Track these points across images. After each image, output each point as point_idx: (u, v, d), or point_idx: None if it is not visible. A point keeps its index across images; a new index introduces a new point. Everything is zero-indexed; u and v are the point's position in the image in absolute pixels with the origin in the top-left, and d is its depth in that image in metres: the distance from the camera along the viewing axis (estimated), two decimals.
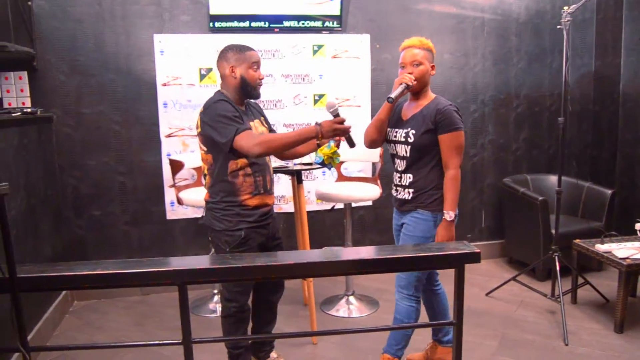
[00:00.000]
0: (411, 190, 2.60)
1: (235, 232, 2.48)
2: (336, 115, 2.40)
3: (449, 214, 2.49)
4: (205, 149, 2.50)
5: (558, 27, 3.55)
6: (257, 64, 2.50)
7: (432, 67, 2.62)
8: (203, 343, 2.01)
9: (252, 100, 2.67)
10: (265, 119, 2.72)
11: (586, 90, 4.58)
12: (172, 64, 3.96)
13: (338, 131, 2.35)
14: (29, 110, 3.37)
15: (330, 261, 2.00)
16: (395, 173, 2.69)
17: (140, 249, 4.02)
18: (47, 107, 3.71)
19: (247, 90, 2.50)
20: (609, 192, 4.17)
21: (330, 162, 2.76)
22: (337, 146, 2.71)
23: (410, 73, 2.53)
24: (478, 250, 2.01)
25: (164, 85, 3.96)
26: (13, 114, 3.16)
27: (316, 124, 2.36)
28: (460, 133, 2.52)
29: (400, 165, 2.63)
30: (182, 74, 3.99)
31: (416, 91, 2.60)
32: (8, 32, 3.14)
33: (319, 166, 3.62)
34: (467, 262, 2.02)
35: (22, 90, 3.65)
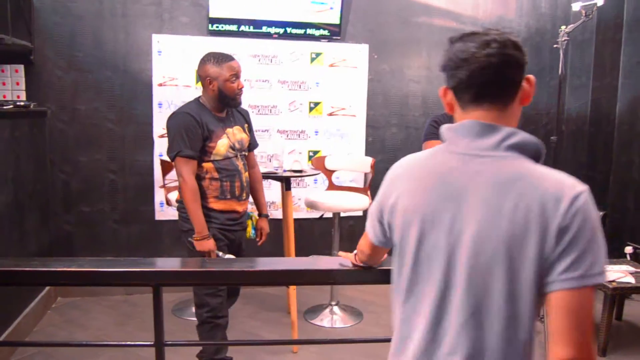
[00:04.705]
0: None
1: None
2: None
3: None
4: None
5: (555, 46, 3.56)
6: (235, 75, 2.53)
7: None
8: (177, 346, 2.00)
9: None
10: (250, 127, 2.75)
11: (583, 110, 4.57)
12: (169, 65, 3.96)
13: None
14: (22, 103, 3.38)
15: (310, 269, 1.99)
16: None
17: (127, 248, 4.00)
18: (42, 102, 3.72)
19: (226, 101, 2.55)
20: (600, 213, 4.14)
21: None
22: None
23: None
24: None
25: (160, 85, 3.97)
26: (5, 107, 3.16)
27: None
28: None
29: None
30: (179, 75, 3.99)
31: None
32: (6, 25, 3.15)
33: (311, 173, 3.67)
34: None
35: (17, 84, 3.67)
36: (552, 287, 1.00)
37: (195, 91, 4.00)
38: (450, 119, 2.50)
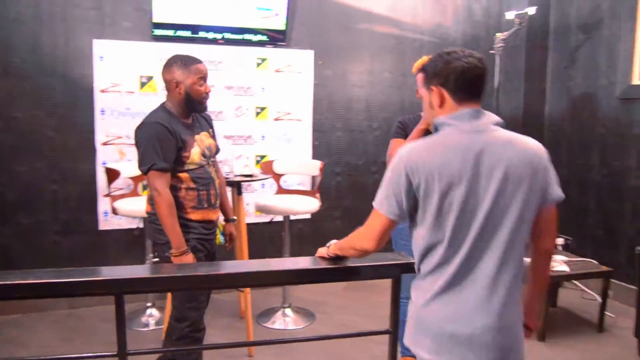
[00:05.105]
0: None
1: None
2: None
3: None
4: None
5: (491, 51, 3.76)
6: (203, 78, 2.44)
7: None
8: (139, 355, 1.97)
9: None
10: (213, 132, 2.69)
11: (515, 113, 4.84)
12: (112, 71, 3.87)
13: None
14: None
15: (273, 270, 2.02)
16: None
17: (71, 260, 3.85)
18: None
19: (193, 105, 2.45)
20: None
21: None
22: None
23: None
24: (414, 261, 2.09)
25: (103, 91, 3.87)
26: None
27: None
28: None
29: None
30: (122, 81, 3.91)
31: None
32: None
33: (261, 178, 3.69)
34: (403, 272, 2.10)
35: None
36: (547, 204, 1.60)
37: (139, 97, 3.94)
38: (415, 121, 2.72)
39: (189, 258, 2.36)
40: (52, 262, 3.81)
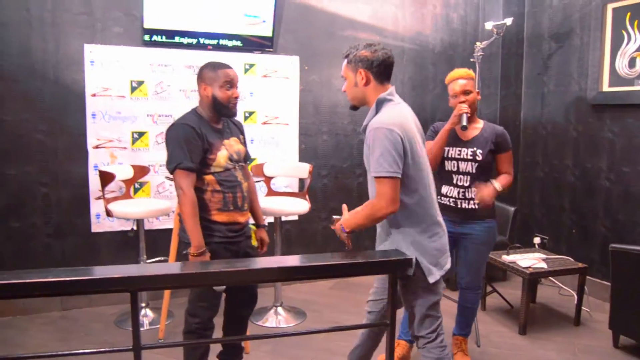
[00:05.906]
0: (477, 202, 2.91)
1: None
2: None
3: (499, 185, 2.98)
4: None
5: (471, 59, 3.94)
6: (230, 82, 2.54)
7: (478, 92, 2.99)
8: (153, 349, 2.06)
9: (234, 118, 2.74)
10: (244, 138, 2.78)
11: (493, 117, 5.05)
12: (103, 75, 3.92)
13: None
14: None
15: (287, 267, 2.12)
16: (451, 187, 3.00)
17: (63, 263, 3.88)
18: None
19: (220, 109, 2.54)
20: (512, 209, 4.60)
21: None
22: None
23: (463, 102, 2.88)
24: (411, 257, 2.23)
25: (93, 95, 3.91)
26: None
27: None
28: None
29: (463, 180, 2.96)
30: (113, 85, 3.96)
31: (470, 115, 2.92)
32: None
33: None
34: (401, 267, 2.23)
35: None
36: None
37: (130, 101, 4.01)
38: (440, 127, 3.12)
39: (206, 259, 2.43)
40: (44, 265, 3.83)
